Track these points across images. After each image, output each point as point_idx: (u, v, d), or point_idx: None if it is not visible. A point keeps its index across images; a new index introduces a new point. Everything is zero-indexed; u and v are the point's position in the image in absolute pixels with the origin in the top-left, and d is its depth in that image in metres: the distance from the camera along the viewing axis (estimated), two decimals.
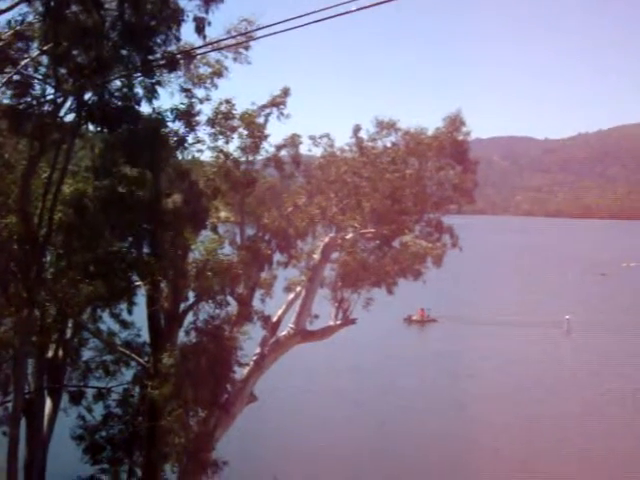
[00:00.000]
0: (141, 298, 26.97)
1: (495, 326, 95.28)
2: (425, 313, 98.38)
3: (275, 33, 16.93)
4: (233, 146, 29.14)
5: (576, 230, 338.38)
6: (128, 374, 29.01)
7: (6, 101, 21.95)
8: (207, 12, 21.87)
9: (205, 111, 27.52)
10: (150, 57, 21.58)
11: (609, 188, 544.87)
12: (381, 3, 14.78)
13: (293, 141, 30.51)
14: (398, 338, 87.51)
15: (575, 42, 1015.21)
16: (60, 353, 27.93)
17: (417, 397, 63.75)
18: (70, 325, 27.92)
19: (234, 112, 28.55)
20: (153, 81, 22.25)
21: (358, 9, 15.07)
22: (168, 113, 25.76)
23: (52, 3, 19.09)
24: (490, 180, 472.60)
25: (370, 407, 60.20)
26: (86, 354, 29.52)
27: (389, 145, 31.84)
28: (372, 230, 30.99)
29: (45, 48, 20.68)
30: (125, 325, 28.23)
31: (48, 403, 27.89)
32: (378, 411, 59.02)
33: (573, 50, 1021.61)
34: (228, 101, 28.33)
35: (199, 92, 26.86)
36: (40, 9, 19.66)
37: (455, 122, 30.75)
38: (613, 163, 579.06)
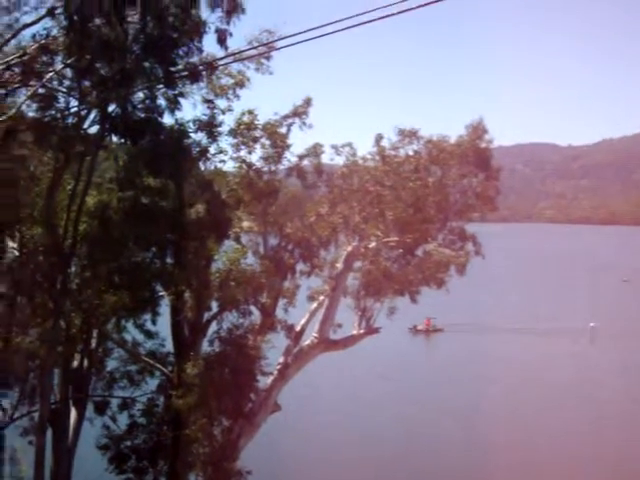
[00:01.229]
0: (165, 308, 27.09)
1: (511, 334, 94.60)
2: (431, 323, 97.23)
3: (296, 43, 16.97)
4: (256, 156, 29.28)
5: (600, 237, 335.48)
6: (152, 384, 29.10)
7: (31, 114, 22.20)
8: (228, 24, 21.92)
9: (227, 122, 27.69)
10: (172, 69, 21.69)
11: (634, 194, 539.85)
12: (402, 12, 14.80)
13: (315, 150, 30.56)
14: (400, 348, 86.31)
15: (598, 48, 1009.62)
16: (85, 363, 28.07)
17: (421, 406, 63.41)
18: (95, 335, 28.06)
19: (256, 122, 28.66)
20: (175, 92, 22.34)
21: (380, 18, 15.10)
22: (190, 124, 25.95)
23: (75, 17, 19.25)
24: (513, 187, 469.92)
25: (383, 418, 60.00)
26: (111, 364, 29.64)
27: (411, 153, 31.80)
28: (395, 239, 30.96)
29: (69, 61, 20.91)
30: (149, 335, 28.30)
31: (73, 413, 28.01)
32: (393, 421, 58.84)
33: (596, 55, 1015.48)
34: (250, 111, 28.45)
35: (221, 103, 27.03)
36: (64, 23, 19.85)
37: (477, 130, 30.69)
38: (638, 168, 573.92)
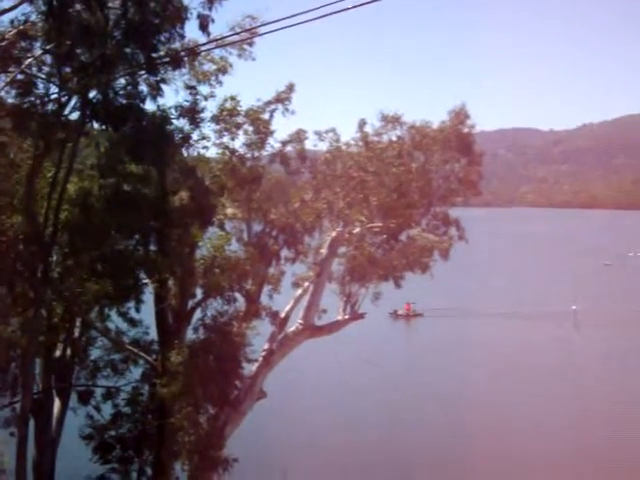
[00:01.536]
0: (149, 296, 26.92)
1: (494, 318, 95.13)
2: (411, 307, 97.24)
3: (279, 29, 16.81)
4: (239, 142, 29.10)
5: (581, 221, 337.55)
6: (137, 372, 28.98)
7: (10, 100, 21.90)
8: (210, 9, 21.80)
9: (210, 108, 27.47)
10: (154, 55, 21.49)
11: (614, 178, 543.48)
12: None
13: (299, 136, 30.41)
14: (382, 333, 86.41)
15: (579, 33, 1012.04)
16: (68, 352, 27.88)
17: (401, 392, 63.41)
18: (78, 324, 27.87)
19: (239, 109, 28.47)
20: (157, 79, 22.18)
21: (361, 4, 14.97)
22: (173, 110, 25.71)
23: (55, 2, 18.99)
24: (495, 172, 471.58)
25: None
26: (94, 353, 29.47)
27: (394, 139, 31.70)
28: (379, 224, 30.90)
29: (49, 47, 20.62)
30: (133, 323, 28.16)
31: (56, 403, 27.85)
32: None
33: (577, 40, 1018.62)
34: (233, 98, 28.25)
35: (204, 89, 26.78)
36: (43, 8, 19.57)
37: (460, 115, 30.64)
38: (618, 153, 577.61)
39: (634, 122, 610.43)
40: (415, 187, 30.80)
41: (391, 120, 31.42)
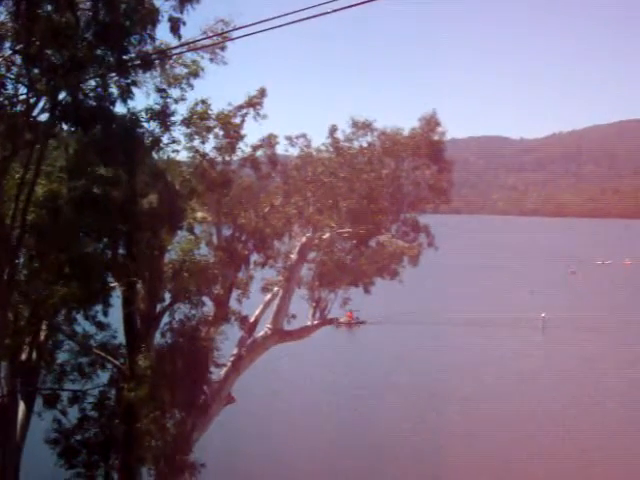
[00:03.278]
0: (117, 299, 26.76)
1: (451, 325, 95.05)
2: (353, 315, 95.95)
3: (251, 34, 16.86)
4: (209, 146, 29.00)
5: (550, 229, 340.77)
6: (104, 376, 28.72)
7: None
8: (182, 12, 21.71)
9: (180, 111, 27.37)
10: (125, 57, 21.37)
11: (583, 187, 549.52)
12: (357, 5, 14.77)
13: (270, 141, 30.43)
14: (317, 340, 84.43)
15: (548, 44, 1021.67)
16: (34, 355, 27.57)
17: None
18: (44, 327, 27.59)
19: (210, 112, 28.40)
20: (128, 81, 22.02)
21: (334, 10, 15.04)
22: (143, 113, 25.59)
23: (24, 2, 18.84)
24: (466, 179, 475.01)
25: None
26: (61, 356, 29.15)
27: (365, 145, 31.84)
28: (349, 230, 30.97)
29: (18, 48, 20.43)
30: (101, 327, 27.93)
31: (22, 407, 27.56)
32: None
33: (547, 51, 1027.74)
34: (204, 101, 28.17)
35: (175, 92, 26.69)
36: (12, 8, 19.39)
37: (430, 122, 30.83)
38: (586, 162, 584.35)
39: (602, 132, 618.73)
40: (385, 193, 30.95)
41: (362, 126, 31.55)
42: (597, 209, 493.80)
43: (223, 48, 26.41)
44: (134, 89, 22.38)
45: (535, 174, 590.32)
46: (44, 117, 22.37)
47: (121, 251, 26.30)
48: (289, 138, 31.66)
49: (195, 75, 26.82)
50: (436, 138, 30.93)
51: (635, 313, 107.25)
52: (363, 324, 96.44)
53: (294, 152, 32.06)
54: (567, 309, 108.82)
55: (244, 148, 29.67)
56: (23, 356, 27.12)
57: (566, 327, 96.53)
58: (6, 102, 21.48)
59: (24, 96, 21.64)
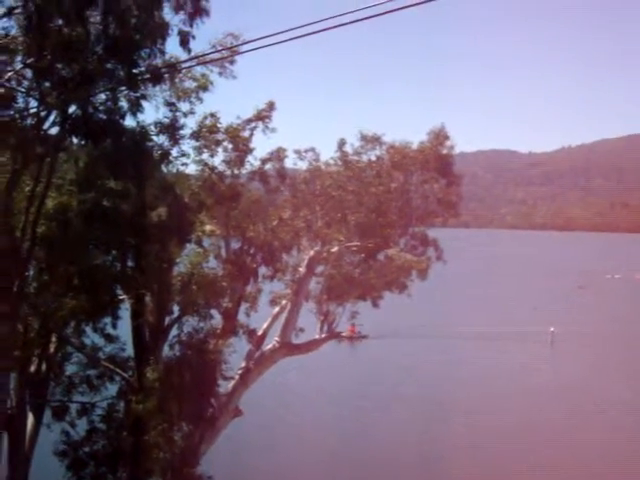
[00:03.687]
0: (125, 312, 26.83)
1: (457, 339, 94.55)
2: (356, 329, 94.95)
3: (260, 47, 17.00)
4: (218, 160, 29.15)
5: (559, 243, 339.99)
6: (112, 389, 28.76)
7: None
8: (192, 26, 21.80)
9: (190, 125, 27.52)
10: (135, 71, 21.49)
11: (592, 201, 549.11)
12: (364, 19, 14.87)
13: (278, 155, 30.52)
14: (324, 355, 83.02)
15: (558, 57, 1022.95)
16: (43, 368, 27.65)
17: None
18: (53, 339, 27.68)
19: (219, 126, 28.55)
20: (138, 95, 22.11)
21: (341, 25, 15.15)
22: (152, 127, 25.74)
23: (35, 16, 18.98)
24: (475, 193, 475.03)
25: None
26: (69, 369, 29.22)
27: (374, 159, 31.97)
28: (357, 243, 31.05)
29: (29, 61, 20.59)
30: (109, 339, 27.99)
31: (30, 419, 27.59)
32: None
33: (557, 65, 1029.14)
34: (213, 115, 28.32)
35: (184, 106, 26.84)
36: (23, 22, 19.56)
37: (439, 136, 30.96)
38: (596, 176, 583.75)
39: (611, 145, 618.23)
40: (394, 207, 31.05)
41: (371, 140, 31.69)
42: (606, 223, 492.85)
43: (232, 62, 26.57)
44: (144, 103, 22.48)
45: (544, 188, 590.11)
46: (54, 130, 22.51)
47: (130, 264, 26.38)
48: (298, 152, 31.83)
49: (204, 89, 26.95)
50: (445, 152, 31.06)
51: None
52: (365, 338, 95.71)
53: (303, 166, 32.23)
54: (576, 323, 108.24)
55: (253, 161, 29.82)
56: (32, 368, 27.20)
57: (575, 341, 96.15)
58: (17, 115, 21.63)
59: (35, 109, 21.78)
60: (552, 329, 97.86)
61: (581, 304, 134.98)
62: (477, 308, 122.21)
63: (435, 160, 30.89)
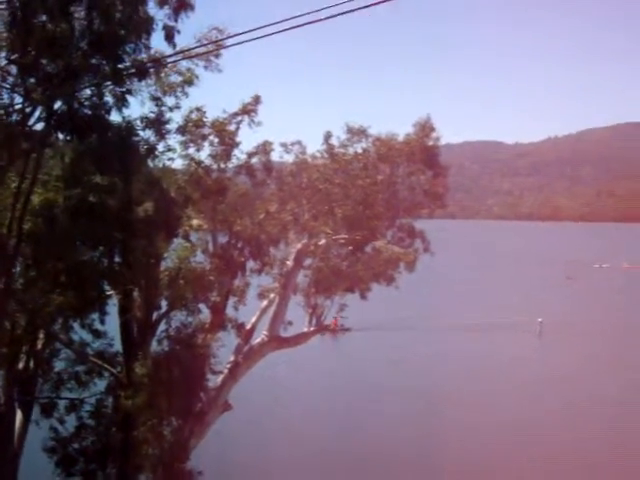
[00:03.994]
0: (113, 307, 26.79)
1: (440, 331, 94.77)
2: (338, 322, 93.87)
3: (246, 41, 17.00)
4: (204, 154, 29.11)
5: (546, 233, 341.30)
6: (101, 385, 28.72)
7: None
8: (177, 21, 21.75)
9: (175, 119, 27.46)
10: (120, 66, 21.43)
11: (578, 191, 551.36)
12: (351, 11, 14.88)
13: (265, 148, 30.50)
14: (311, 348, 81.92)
15: (544, 47, 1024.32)
16: (31, 364, 27.58)
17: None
18: (41, 336, 27.61)
19: (205, 120, 28.51)
20: (123, 90, 22.02)
21: (327, 17, 15.16)
22: (138, 122, 25.64)
23: (19, 12, 18.89)
24: (461, 184, 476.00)
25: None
26: (58, 365, 29.14)
27: (360, 151, 31.99)
28: (344, 236, 31.09)
29: (13, 57, 20.49)
30: (97, 335, 27.91)
31: (19, 415, 27.54)
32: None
33: (542, 55, 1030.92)
34: (199, 109, 28.28)
35: (169, 100, 26.76)
36: (7, 18, 19.46)
37: (425, 128, 30.99)
38: (582, 166, 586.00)
39: (598, 135, 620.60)
40: (380, 199, 31.10)
41: (357, 132, 31.72)
42: (592, 213, 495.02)
43: (217, 56, 26.53)
44: (129, 98, 22.38)
45: (530, 178, 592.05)
46: (40, 126, 22.43)
47: (117, 259, 26.31)
48: (284, 145, 31.81)
49: (190, 83, 26.90)
50: (431, 143, 31.11)
51: (633, 316, 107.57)
52: (348, 331, 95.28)
53: (289, 159, 32.23)
54: (564, 314, 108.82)
55: (239, 155, 29.81)
56: (20, 365, 27.13)
57: (563, 332, 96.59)
58: (2, 112, 21.53)
59: (20, 105, 21.69)
60: (540, 319, 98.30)
61: (569, 294, 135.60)
62: (464, 299, 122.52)
63: (421, 152, 30.95)
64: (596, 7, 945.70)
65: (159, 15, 21.44)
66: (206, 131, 28.71)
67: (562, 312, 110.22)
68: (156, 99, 26.07)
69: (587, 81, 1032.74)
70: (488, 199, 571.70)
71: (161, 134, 26.69)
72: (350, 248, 31.56)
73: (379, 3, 14.59)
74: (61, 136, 23.28)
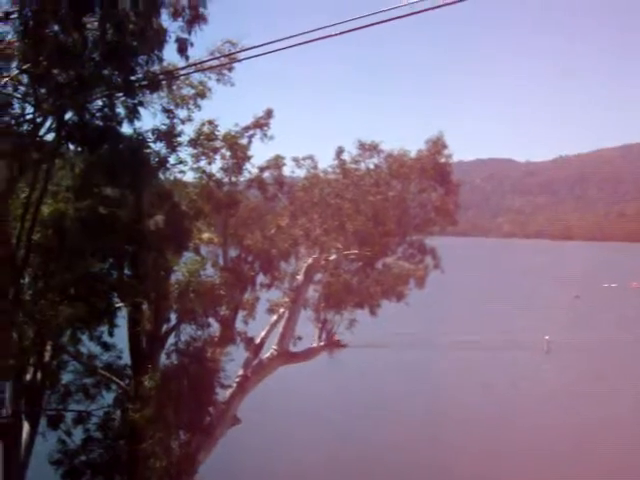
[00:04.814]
0: (122, 320, 26.66)
1: (448, 348, 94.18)
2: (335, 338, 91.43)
3: (258, 55, 16.97)
4: (216, 167, 29.12)
5: (555, 252, 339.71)
6: (109, 397, 28.55)
7: None
8: (190, 33, 21.76)
9: (187, 132, 27.44)
10: (132, 77, 21.42)
11: (588, 210, 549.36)
12: (364, 27, 14.83)
13: (276, 163, 30.50)
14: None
15: (554, 67, 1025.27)
16: (39, 376, 27.45)
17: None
18: (49, 347, 27.48)
19: (217, 133, 28.49)
20: (135, 101, 22.05)
21: (340, 33, 15.10)
22: (149, 134, 25.63)
23: (31, 22, 18.91)
24: (472, 202, 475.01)
25: None
26: (65, 377, 29.02)
27: (372, 167, 31.92)
28: (355, 252, 30.96)
29: (25, 67, 20.49)
30: (106, 347, 27.79)
31: (26, 427, 27.37)
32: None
33: (554, 74, 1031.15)
34: (211, 122, 28.26)
35: (181, 113, 26.75)
36: (19, 28, 19.47)
37: (437, 145, 30.95)
38: (592, 186, 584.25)
39: (608, 155, 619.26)
40: (392, 215, 30.98)
41: (369, 148, 31.68)
42: (602, 232, 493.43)
43: (230, 69, 26.54)
44: (141, 109, 22.43)
45: (541, 197, 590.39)
46: (50, 137, 22.42)
47: (127, 271, 26.25)
48: (296, 159, 31.81)
49: (202, 96, 26.91)
50: (443, 160, 31.05)
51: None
52: (344, 347, 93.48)
53: (301, 173, 32.20)
54: (571, 332, 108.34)
55: (251, 169, 29.84)
56: (28, 376, 26.99)
57: (570, 350, 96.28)
58: (13, 121, 21.54)
59: (31, 116, 21.71)
60: (547, 337, 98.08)
61: (577, 313, 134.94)
62: (472, 316, 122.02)
63: (433, 168, 30.89)
64: (604, 27, 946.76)
65: (172, 27, 21.48)
66: (218, 144, 28.69)
67: (569, 330, 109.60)
68: (168, 111, 26.07)
69: (598, 101, 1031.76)
70: (499, 217, 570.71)
71: (172, 146, 26.66)
72: (360, 264, 31.44)
73: (389, 20, 14.55)
74: (72, 147, 23.30)
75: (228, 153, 29.00)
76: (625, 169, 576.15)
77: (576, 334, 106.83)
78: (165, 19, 21.44)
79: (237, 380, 29.81)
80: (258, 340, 30.62)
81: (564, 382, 79.83)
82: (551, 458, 53.89)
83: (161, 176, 27.59)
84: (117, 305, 26.38)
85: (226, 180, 29.30)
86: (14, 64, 20.66)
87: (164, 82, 24.13)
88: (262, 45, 16.47)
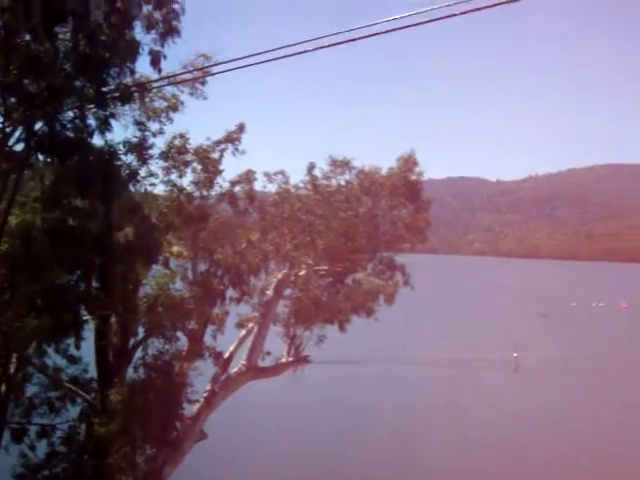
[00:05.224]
0: (89, 333, 26.39)
1: (411, 365, 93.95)
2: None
3: (231, 70, 16.97)
4: (187, 180, 29.00)
5: (523, 270, 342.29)
6: (74, 411, 28.21)
7: None
8: (163, 46, 21.74)
9: (159, 145, 27.36)
10: (104, 89, 21.31)
11: (557, 229, 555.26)
12: (339, 44, 14.89)
13: (248, 177, 30.45)
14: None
15: (526, 88, 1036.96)
16: (3, 388, 27.06)
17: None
18: (14, 360, 27.12)
19: (188, 146, 28.42)
20: (106, 113, 21.92)
21: (315, 49, 15.15)
22: (121, 146, 25.48)
23: (2, 31, 18.77)
24: (443, 219, 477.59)
25: None
26: (30, 390, 28.61)
27: (343, 183, 31.98)
28: (325, 267, 30.96)
29: None
30: (72, 360, 27.49)
31: None
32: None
33: (524, 94, 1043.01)
34: (182, 135, 28.21)
35: (153, 125, 26.66)
36: None
37: (408, 162, 31.07)
38: (561, 205, 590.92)
39: (577, 175, 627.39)
40: (362, 232, 31.06)
41: (340, 164, 31.73)
42: (569, 251, 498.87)
43: (203, 83, 26.55)
44: (112, 121, 22.29)
45: (510, 215, 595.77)
46: (20, 147, 22.20)
47: (95, 284, 26.01)
48: (267, 174, 31.76)
49: (174, 109, 26.86)
50: (414, 178, 31.16)
51: (605, 353, 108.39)
52: (311, 363, 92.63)
53: (272, 188, 32.16)
54: (538, 349, 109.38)
55: (222, 183, 29.75)
56: None
57: (538, 367, 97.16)
58: None
59: (0, 125, 21.48)
60: (515, 354, 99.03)
61: (543, 330, 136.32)
62: (441, 333, 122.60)
63: (404, 186, 31.00)
64: (578, 49, 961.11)
65: (145, 40, 21.45)
66: (189, 158, 28.62)
67: (536, 347, 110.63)
68: (140, 124, 25.96)
69: (568, 122, 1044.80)
70: (469, 235, 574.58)
71: (143, 159, 26.53)
72: (330, 279, 31.43)
73: (364, 38, 14.64)
74: (41, 157, 23.07)
75: (199, 167, 28.92)
76: (593, 190, 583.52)
77: (542, 351, 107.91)
78: (138, 31, 21.44)
79: (205, 395, 29.59)
80: (227, 355, 30.46)
81: (532, 399, 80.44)
82: (521, 475, 54.15)
83: (131, 188, 27.42)
84: (84, 318, 26.11)
85: (197, 194, 29.21)
86: None
87: (136, 94, 24.01)
88: (235, 59, 16.46)
